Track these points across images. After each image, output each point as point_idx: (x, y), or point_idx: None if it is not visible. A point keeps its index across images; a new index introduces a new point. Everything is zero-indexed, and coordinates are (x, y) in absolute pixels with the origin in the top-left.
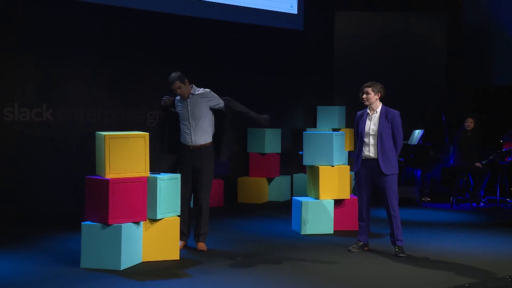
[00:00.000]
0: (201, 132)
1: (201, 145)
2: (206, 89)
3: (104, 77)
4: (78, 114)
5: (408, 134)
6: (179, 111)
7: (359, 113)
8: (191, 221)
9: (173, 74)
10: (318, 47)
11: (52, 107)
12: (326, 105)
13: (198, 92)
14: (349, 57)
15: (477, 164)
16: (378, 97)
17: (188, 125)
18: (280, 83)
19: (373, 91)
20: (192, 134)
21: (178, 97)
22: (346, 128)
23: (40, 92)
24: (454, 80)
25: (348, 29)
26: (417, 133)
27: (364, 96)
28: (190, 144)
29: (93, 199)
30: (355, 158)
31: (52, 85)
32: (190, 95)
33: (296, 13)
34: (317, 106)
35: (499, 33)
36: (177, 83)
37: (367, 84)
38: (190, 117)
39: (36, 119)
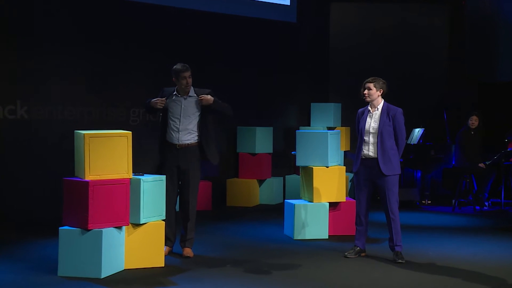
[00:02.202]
0: (189, 132)
1: (187, 144)
2: (206, 90)
3: (84, 72)
4: (55, 111)
5: (407, 133)
6: (169, 107)
7: (360, 110)
8: (176, 226)
9: (185, 64)
10: (312, 41)
11: (27, 104)
12: (320, 102)
13: (194, 95)
14: (344, 51)
15: (481, 165)
16: (380, 93)
17: (178, 122)
18: (272, 78)
19: (375, 86)
20: (180, 132)
21: (173, 91)
22: (341, 126)
23: (14, 87)
24: (456, 75)
25: (344, 21)
26: (417, 132)
27: (366, 92)
28: (177, 142)
29: (72, 203)
30: (354, 157)
31: (27, 80)
32: (187, 96)
33: (289, 4)
34: (311, 103)
35: (504, 25)
36: (190, 72)
37: (369, 79)
38: (181, 115)
39: (10, 117)
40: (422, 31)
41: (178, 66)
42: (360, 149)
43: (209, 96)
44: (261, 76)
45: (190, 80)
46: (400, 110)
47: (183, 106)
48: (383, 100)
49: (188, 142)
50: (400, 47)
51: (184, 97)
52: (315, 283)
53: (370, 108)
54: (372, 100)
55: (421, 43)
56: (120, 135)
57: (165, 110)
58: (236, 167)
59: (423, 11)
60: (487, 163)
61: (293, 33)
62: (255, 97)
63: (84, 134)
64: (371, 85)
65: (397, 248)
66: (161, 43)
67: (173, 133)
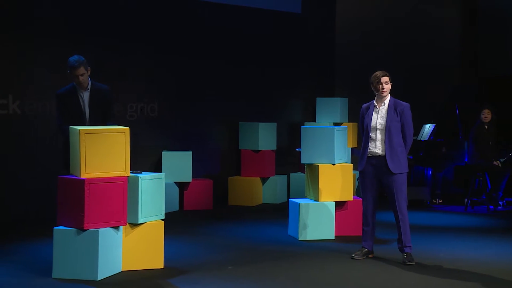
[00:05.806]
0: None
1: None
2: (104, 86)
3: None
4: (49, 106)
5: (417, 129)
6: (74, 104)
7: (364, 105)
8: None
9: (77, 57)
10: (318, 32)
11: (19, 98)
12: (326, 97)
13: (96, 88)
14: (352, 42)
15: (496, 163)
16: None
17: (84, 120)
18: (276, 72)
19: (391, 81)
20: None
21: (71, 87)
22: (348, 122)
23: (5, 80)
24: (469, 67)
25: (351, 12)
26: (428, 127)
27: (386, 86)
28: None
29: (67, 202)
30: (360, 155)
31: (19, 74)
32: (87, 89)
33: None
34: (317, 98)
35: None
36: (82, 69)
37: (384, 72)
38: (86, 111)
39: (1, 112)
40: (433, 21)
41: (71, 61)
42: (366, 147)
43: None
44: (265, 69)
45: (83, 78)
46: (407, 105)
47: (86, 101)
48: (389, 95)
49: None
50: (410, 38)
51: (83, 91)
52: (320, 286)
53: (376, 103)
54: (387, 95)
55: (432, 33)
56: (117, 131)
57: (67, 108)
58: (238, 165)
59: (435, 0)
60: (501, 160)
61: (298, 25)
62: (258, 92)
63: (79, 130)
64: (389, 79)
65: (406, 250)
66: (157, 36)
67: None
